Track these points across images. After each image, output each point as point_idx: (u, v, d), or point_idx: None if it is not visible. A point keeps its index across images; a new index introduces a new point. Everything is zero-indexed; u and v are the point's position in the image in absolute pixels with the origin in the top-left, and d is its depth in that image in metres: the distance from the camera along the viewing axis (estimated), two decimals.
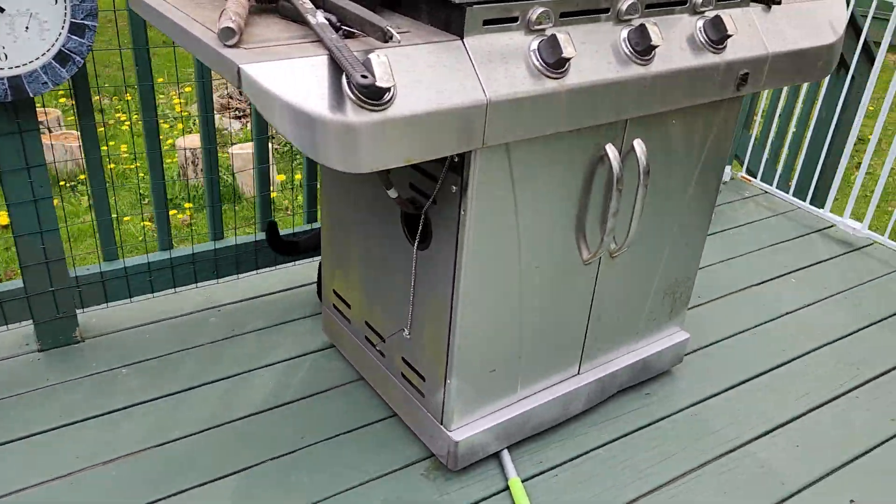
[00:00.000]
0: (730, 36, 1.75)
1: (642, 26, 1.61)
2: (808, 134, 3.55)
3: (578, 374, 2.12)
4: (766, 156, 3.65)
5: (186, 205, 4.79)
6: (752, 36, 1.86)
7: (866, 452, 2.15)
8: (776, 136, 3.79)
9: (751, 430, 2.20)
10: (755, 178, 3.69)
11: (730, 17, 1.76)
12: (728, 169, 3.73)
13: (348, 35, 1.39)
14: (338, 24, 1.38)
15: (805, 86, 3.69)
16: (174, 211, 4.58)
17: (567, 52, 1.47)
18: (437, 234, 1.71)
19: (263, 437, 2.04)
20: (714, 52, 1.77)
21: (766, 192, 3.64)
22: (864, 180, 3.48)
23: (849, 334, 2.67)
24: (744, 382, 2.39)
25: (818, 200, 3.48)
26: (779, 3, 1.93)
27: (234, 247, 2.50)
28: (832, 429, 2.23)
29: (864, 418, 2.27)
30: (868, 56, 3.44)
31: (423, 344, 1.89)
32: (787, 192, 3.58)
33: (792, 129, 3.80)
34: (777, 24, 1.92)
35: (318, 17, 1.36)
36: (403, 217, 1.81)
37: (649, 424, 2.19)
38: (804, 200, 3.48)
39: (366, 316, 2.11)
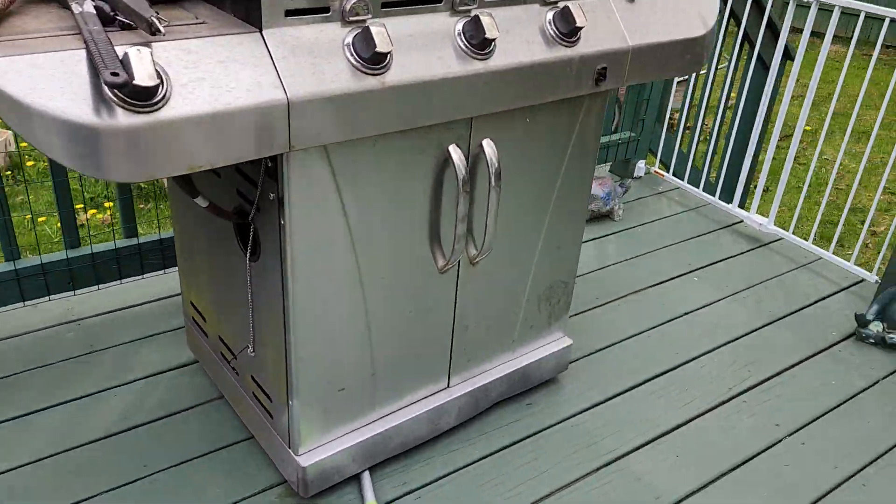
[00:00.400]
0: (580, 28, 1.64)
1: (476, 18, 1.49)
2: (715, 128, 3.49)
3: (448, 387, 2.00)
4: (676, 149, 3.58)
5: (107, 204, 4.58)
6: (611, 28, 1.75)
7: (748, 460, 2.07)
8: (690, 129, 3.72)
9: (632, 439, 2.11)
10: (669, 172, 3.62)
11: (581, 8, 1.65)
12: (642, 163, 3.65)
13: (126, 27, 1.24)
14: (111, 13, 1.23)
15: (727, 78, 3.61)
16: (94, 210, 4.37)
17: (382, 46, 1.34)
18: (265, 244, 1.58)
19: (103, 466, 1.89)
20: (566, 46, 1.66)
21: (679, 187, 3.57)
22: (788, 176, 3.41)
23: (746, 334, 2.60)
24: (632, 388, 2.30)
25: (726, 195, 3.41)
26: None
27: (91, 255, 2.33)
28: (716, 436, 2.14)
29: (750, 424, 2.19)
30: (786, 50, 3.37)
31: (266, 362, 1.75)
32: (698, 187, 3.51)
33: (716, 123, 3.73)
34: (640, 16, 1.82)
35: (86, 6, 1.21)
36: (235, 227, 1.67)
37: (527, 437, 2.08)
38: (714, 195, 3.41)
39: (218, 330, 1.97)
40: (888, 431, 2.20)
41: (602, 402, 2.23)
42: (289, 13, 1.32)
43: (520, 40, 1.60)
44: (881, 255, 2.88)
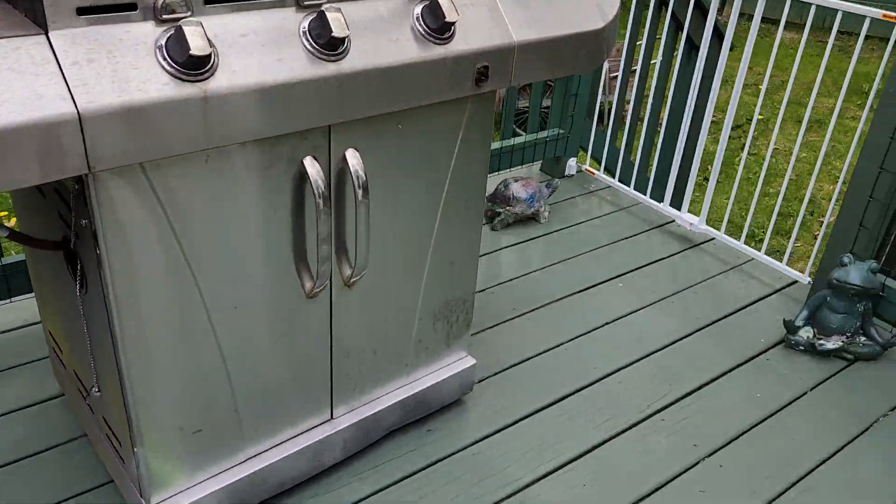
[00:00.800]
0: (452, 23, 1.47)
1: (321, 14, 1.31)
2: (645, 120, 3.34)
3: (331, 419, 1.82)
4: (607, 145, 3.43)
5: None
6: (493, 22, 1.58)
7: (659, 488, 1.93)
8: (624, 124, 3.57)
9: (539, 466, 1.95)
10: (610, 171, 3.47)
11: (453, 1, 1.47)
12: (573, 161, 3.50)
13: None
14: None
15: (658, 70, 3.47)
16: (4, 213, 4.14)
17: (198, 49, 1.15)
18: (89, 275, 1.38)
19: None
20: (437, 44, 1.48)
21: (610, 185, 3.43)
22: (730, 170, 3.28)
23: (670, 344, 2.46)
24: (542, 409, 2.15)
25: (659, 192, 3.27)
26: None
27: None
28: (629, 460, 2.00)
29: (666, 445, 2.05)
30: (718, 35, 3.21)
31: (110, 404, 1.56)
32: (629, 185, 3.37)
33: (647, 116, 3.59)
34: (529, 10, 1.65)
35: None
36: (65, 254, 1.47)
37: (423, 469, 1.92)
38: (645, 194, 3.27)
39: (72, 364, 1.77)
40: (812, 449, 2.08)
41: (508, 426, 2.08)
42: (82, 11, 1.13)
43: (383, 39, 1.42)
44: (814, 254, 2.76)
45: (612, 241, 3.02)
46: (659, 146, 3.27)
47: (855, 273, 2.36)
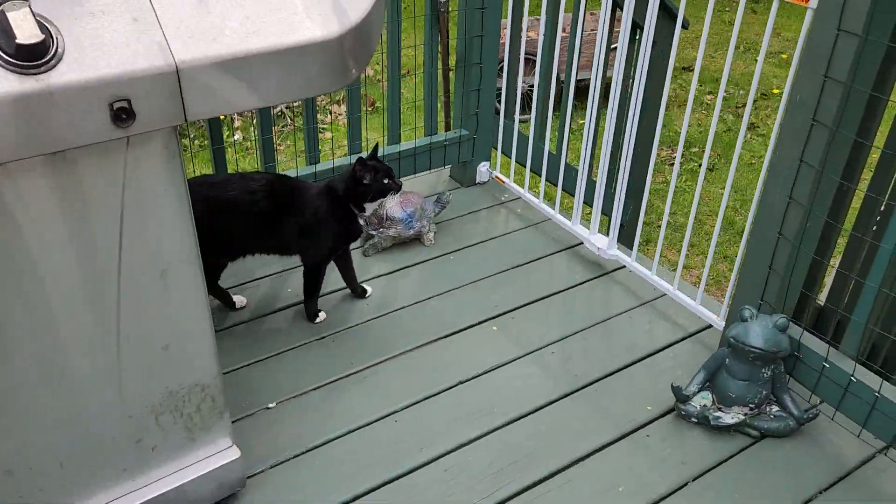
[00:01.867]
0: (38, 46, 1.02)
1: None
2: (568, 114, 2.83)
3: None
4: (515, 145, 2.93)
5: None
6: (139, 37, 1.13)
7: None
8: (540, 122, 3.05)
9: None
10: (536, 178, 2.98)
11: (33, 13, 1.03)
12: (484, 167, 3.01)
13: None
14: None
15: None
16: None
17: None
18: None
19: None
20: (27, 74, 1.04)
21: (521, 196, 2.94)
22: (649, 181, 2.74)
23: (534, 411, 2.00)
24: None
25: (569, 205, 2.77)
26: None
27: None
28: None
29: None
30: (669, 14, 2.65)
31: None
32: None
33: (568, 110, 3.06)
34: (207, 15, 1.19)
35: None
36: None
37: None
38: (554, 208, 2.77)
39: None
40: None
41: None
42: None
43: None
44: (729, 291, 2.24)
45: (504, 268, 2.55)
46: (587, 151, 2.76)
47: (757, 331, 1.85)
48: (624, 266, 2.55)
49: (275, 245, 2.19)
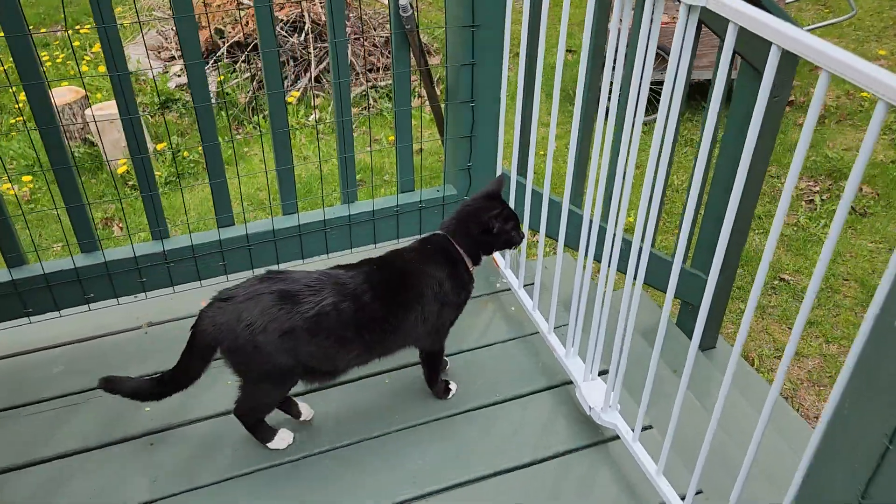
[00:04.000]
0: None
1: None
2: (569, 178, 1.95)
3: None
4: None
5: (25, 178, 3.86)
6: None
7: None
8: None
9: None
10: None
11: None
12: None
13: None
14: None
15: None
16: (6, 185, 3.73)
17: None
18: None
19: None
20: None
21: (511, 288, 2.12)
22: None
23: None
24: None
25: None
26: None
27: None
28: None
29: None
30: None
31: None
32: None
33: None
34: None
35: None
36: None
37: None
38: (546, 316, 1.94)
39: None
40: None
41: None
42: None
43: None
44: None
45: (462, 409, 1.78)
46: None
47: None
48: (615, 437, 1.70)
49: (384, 351, 1.63)
